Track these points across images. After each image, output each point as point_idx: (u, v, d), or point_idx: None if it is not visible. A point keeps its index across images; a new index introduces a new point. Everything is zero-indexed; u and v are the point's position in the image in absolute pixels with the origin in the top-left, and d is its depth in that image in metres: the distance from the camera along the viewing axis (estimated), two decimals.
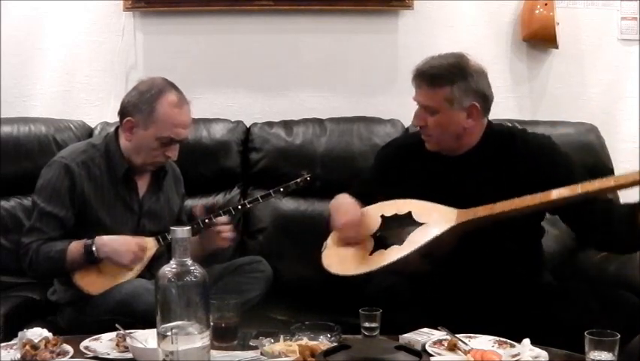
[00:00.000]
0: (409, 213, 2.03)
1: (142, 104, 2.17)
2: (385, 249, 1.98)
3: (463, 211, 1.96)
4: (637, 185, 1.80)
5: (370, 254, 2.01)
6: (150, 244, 2.21)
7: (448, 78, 2.03)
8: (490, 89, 2.10)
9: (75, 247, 2.12)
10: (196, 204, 2.67)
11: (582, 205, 1.91)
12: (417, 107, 2.11)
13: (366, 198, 2.12)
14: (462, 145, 2.10)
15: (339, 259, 2.06)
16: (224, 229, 2.27)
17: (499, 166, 2.06)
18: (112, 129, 2.31)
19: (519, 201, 1.89)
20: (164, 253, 2.20)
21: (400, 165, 2.20)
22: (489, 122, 2.14)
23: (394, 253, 1.95)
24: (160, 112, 2.16)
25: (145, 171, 2.28)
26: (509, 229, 2.01)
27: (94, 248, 2.10)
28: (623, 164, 2.82)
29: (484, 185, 2.00)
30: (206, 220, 2.27)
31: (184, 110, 2.20)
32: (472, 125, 2.07)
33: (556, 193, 1.86)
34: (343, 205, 2.12)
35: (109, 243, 2.13)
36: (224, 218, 2.27)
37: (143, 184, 2.29)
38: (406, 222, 2.01)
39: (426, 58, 2.09)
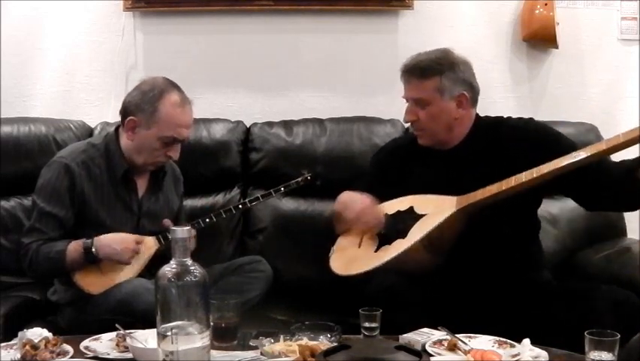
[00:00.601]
0: (411, 207, 2.05)
1: (144, 103, 2.16)
2: (390, 244, 2.00)
3: (463, 197, 1.98)
4: (629, 146, 1.83)
5: (376, 252, 2.03)
6: (150, 244, 2.21)
7: (437, 69, 2.08)
8: (476, 80, 2.14)
9: (74, 247, 2.12)
10: (196, 204, 2.70)
11: (579, 172, 1.92)
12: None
13: None
14: (453, 137, 2.13)
15: (347, 261, 2.07)
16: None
17: (491, 155, 2.08)
18: (112, 129, 2.31)
19: (516, 179, 1.92)
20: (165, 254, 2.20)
21: (395, 166, 2.22)
22: (477, 114, 2.17)
23: (400, 246, 1.97)
24: (162, 112, 2.15)
25: (145, 171, 2.27)
26: (507, 222, 2.03)
27: (93, 248, 2.11)
28: None
29: (480, 175, 2.01)
30: (207, 220, 2.27)
31: (186, 109, 2.20)
32: (462, 115, 2.11)
33: (548, 166, 1.89)
34: (353, 197, 2.14)
35: (108, 242, 2.12)
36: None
37: (142, 184, 2.29)
38: (408, 216, 2.04)
39: (411, 55, 2.14)
